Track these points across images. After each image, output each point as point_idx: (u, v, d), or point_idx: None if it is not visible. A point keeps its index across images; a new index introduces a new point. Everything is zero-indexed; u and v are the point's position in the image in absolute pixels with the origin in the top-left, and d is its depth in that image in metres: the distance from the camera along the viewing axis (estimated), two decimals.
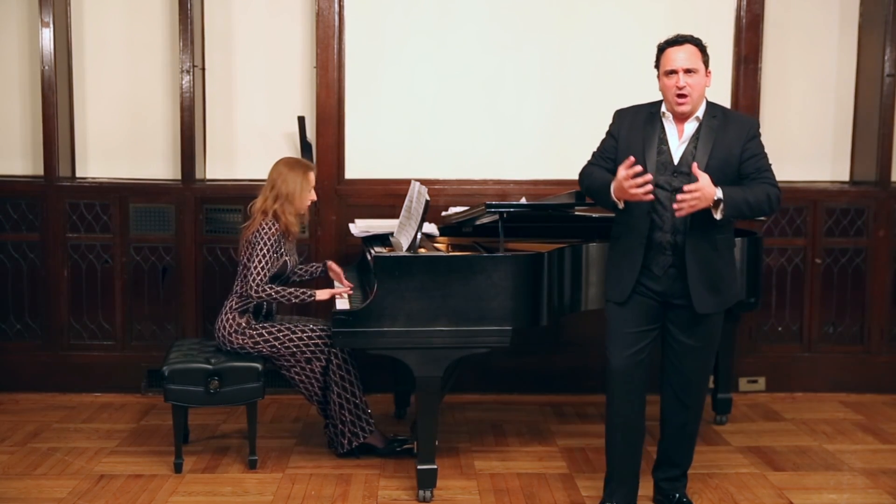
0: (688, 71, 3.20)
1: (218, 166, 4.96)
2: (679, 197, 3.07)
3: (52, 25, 4.69)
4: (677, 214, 3.10)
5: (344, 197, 4.85)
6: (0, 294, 4.84)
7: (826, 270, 5.04)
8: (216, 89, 4.94)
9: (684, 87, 3.20)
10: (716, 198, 3.08)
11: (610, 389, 3.38)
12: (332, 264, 4.14)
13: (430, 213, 3.89)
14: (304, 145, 4.87)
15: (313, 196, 4.02)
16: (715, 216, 3.13)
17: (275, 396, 4.74)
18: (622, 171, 3.14)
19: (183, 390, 3.80)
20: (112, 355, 4.88)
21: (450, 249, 4.25)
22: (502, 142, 4.96)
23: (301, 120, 4.82)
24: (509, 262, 3.54)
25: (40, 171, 4.85)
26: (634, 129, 3.32)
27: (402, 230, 3.93)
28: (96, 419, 4.51)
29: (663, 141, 3.28)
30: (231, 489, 3.67)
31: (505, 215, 3.69)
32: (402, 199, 4.11)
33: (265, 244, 3.85)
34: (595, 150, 3.47)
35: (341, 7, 4.81)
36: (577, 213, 4.19)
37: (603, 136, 3.46)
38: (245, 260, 3.91)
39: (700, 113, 3.27)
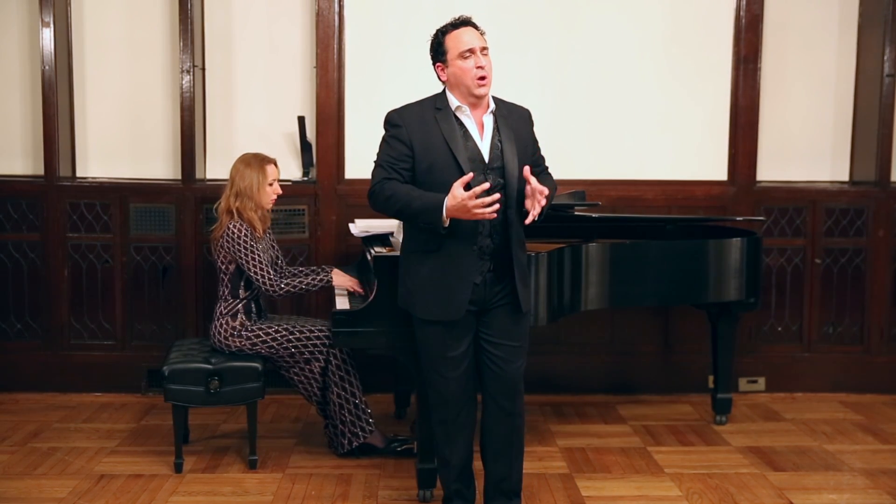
0: (484, 49, 3.00)
1: (218, 166, 4.95)
2: (532, 191, 2.90)
3: (52, 25, 4.69)
4: (532, 215, 2.91)
5: (344, 197, 4.85)
6: (0, 294, 4.85)
7: (826, 270, 5.04)
8: (216, 89, 4.94)
9: (485, 66, 2.96)
10: None
11: (444, 419, 3.20)
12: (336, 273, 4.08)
13: None
14: (304, 145, 4.87)
15: (277, 190, 4.00)
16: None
17: (275, 396, 4.74)
18: (461, 191, 2.81)
19: (183, 390, 3.81)
20: (112, 355, 4.88)
21: None
22: None
23: (301, 120, 4.82)
24: None
25: (41, 171, 4.85)
26: (428, 131, 3.00)
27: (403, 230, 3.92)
28: (96, 419, 4.51)
29: (468, 138, 3.01)
30: (231, 489, 3.67)
31: None
32: None
33: (243, 244, 3.85)
34: (380, 160, 3.09)
35: (341, 7, 4.81)
36: (576, 213, 4.19)
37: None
38: (222, 265, 3.92)
39: (491, 104, 3.06)
